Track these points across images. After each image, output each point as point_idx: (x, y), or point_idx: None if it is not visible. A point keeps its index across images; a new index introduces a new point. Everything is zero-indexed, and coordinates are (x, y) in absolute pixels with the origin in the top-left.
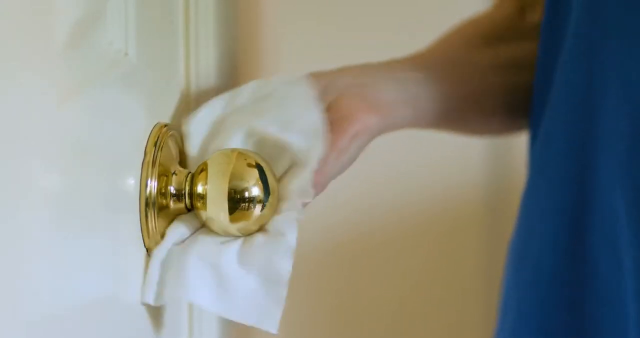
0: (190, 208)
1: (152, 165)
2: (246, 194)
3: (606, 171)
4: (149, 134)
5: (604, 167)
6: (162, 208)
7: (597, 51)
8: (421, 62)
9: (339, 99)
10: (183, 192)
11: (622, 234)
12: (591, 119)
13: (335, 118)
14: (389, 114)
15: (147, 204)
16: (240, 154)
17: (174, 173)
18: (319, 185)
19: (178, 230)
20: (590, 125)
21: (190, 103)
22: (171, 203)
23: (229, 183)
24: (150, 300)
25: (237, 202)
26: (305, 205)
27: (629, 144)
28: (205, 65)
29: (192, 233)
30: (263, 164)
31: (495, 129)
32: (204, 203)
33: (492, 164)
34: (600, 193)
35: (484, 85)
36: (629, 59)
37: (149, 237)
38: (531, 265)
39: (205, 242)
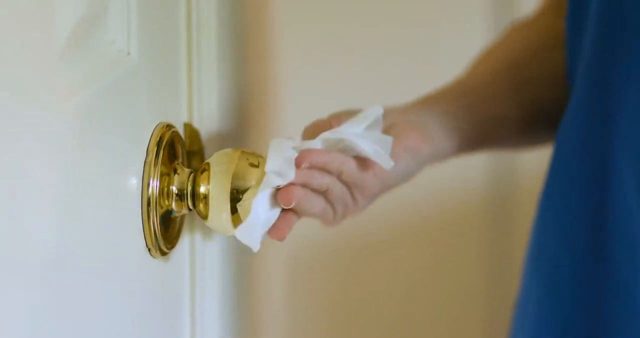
0: (192, 208)
1: (155, 165)
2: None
3: (624, 171)
4: (151, 134)
5: (621, 167)
6: (164, 208)
7: (615, 57)
8: (461, 93)
9: (393, 126)
10: (185, 191)
11: (638, 233)
12: (609, 121)
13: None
14: (437, 144)
15: (149, 204)
16: (243, 153)
17: (176, 172)
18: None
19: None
20: (608, 126)
21: (192, 102)
22: (173, 203)
23: (231, 183)
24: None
25: (239, 202)
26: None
27: None
28: (207, 64)
29: None
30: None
31: (528, 144)
32: (206, 204)
33: (494, 164)
34: (619, 192)
35: (523, 106)
36: None
37: (150, 236)
38: (550, 266)
39: None
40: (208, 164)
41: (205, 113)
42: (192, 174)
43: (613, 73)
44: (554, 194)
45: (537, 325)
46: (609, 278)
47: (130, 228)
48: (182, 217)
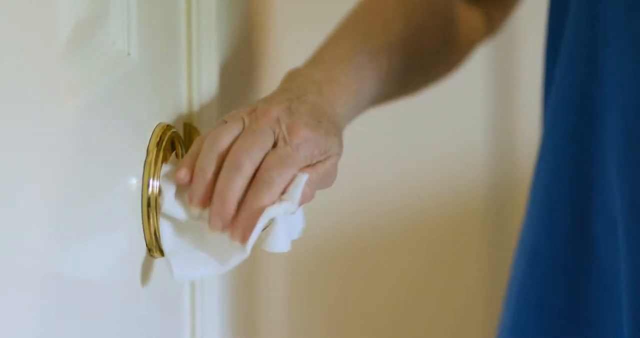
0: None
1: (155, 165)
2: None
3: (607, 160)
4: (151, 134)
5: (605, 156)
6: None
7: (596, 49)
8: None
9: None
10: None
11: (619, 220)
12: (593, 112)
13: None
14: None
15: (149, 204)
16: None
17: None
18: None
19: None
20: (592, 117)
21: (192, 102)
22: None
23: None
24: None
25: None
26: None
27: (624, 140)
28: (207, 64)
29: None
30: None
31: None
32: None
33: (494, 164)
34: (602, 180)
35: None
36: (626, 61)
37: (150, 236)
38: (529, 252)
39: None
40: None
41: (205, 113)
42: None
43: (600, 49)
44: (539, 183)
45: (516, 312)
46: (592, 264)
47: (130, 228)
48: None
